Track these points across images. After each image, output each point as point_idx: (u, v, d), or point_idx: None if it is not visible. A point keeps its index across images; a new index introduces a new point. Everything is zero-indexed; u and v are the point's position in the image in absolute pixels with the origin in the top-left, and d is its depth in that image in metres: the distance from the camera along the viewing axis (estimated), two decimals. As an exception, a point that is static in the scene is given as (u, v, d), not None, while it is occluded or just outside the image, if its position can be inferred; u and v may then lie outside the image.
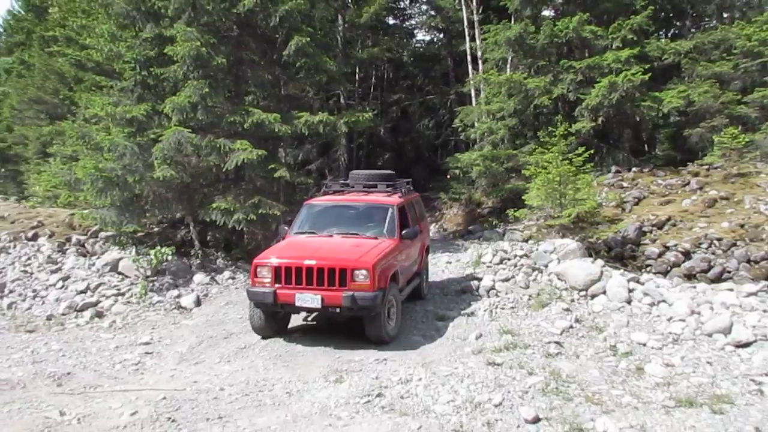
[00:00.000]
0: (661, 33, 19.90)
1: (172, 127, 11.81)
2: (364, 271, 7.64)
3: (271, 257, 8.24)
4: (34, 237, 13.35)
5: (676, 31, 20.42)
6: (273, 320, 8.38)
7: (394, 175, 10.75)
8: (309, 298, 7.69)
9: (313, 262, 7.74)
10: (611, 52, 16.08)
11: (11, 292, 11.16)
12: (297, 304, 7.77)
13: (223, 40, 13.05)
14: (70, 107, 19.85)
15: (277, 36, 13.50)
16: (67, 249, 12.93)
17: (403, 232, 8.89)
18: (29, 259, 12.36)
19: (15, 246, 12.87)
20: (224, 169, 12.22)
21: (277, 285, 7.85)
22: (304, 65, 13.54)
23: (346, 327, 8.44)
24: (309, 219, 9.44)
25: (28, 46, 27.86)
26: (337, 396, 6.01)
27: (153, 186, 12.25)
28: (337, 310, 7.74)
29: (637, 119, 16.48)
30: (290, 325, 8.78)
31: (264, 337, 8.27)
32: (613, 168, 16.49)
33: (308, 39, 12.85)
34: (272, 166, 12.46)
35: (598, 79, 15.77)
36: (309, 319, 9.20)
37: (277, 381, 6.56)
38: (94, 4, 16.61)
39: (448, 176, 20.86)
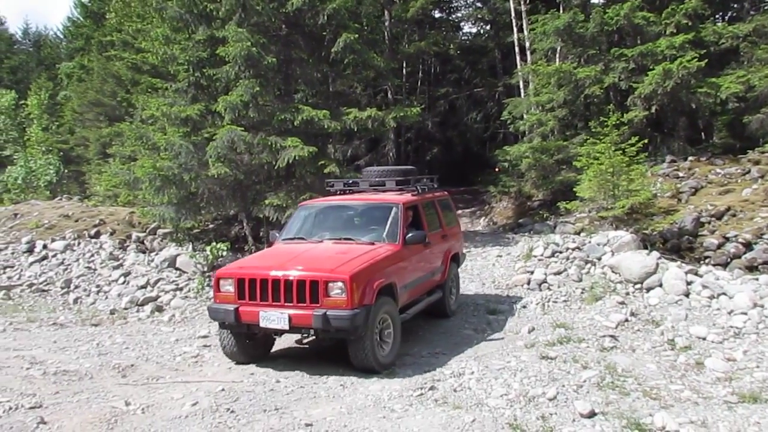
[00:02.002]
0: (717, 17, 19.20)
1: (225, 125, 12.11)
2: (339, 284, 6.29)
3: (236, 268, 7.13)
4: (97, 234, 13.93)
5: (734, 14, 19.61)
6: (249, 344, 7.16)
7: (415, 171, 9.53)
8: (275, 317, 6.40)
9: (280, 274, 6.51)
10: (665, 38, 15.61)
11: (76, 287, 11.71)
12: (261, 324, 6.48)
13: (272, 40, 13.30)
14: (128, 109, 20.59)
15: (324, 34, 13.66)
16: (127, 246, 13.47)
17: (407, 236, 7.49)
18: (92, 255, 12.92)
19: (79, 243, 13.46)
20: (276, 166, 12.45)
21: (240, 301, 6.64)
22: (351, 62, 13.68)
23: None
24: (300, 223, 8.18)
25: (87, 51, 29.01)
26: (391, 389, 6.06)
27: (208, 183, 12.60)
28: (311, 331, 6.52)
29: (693, 107, 15.96)
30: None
31: (237, 363, 7.16)
32: (668, 157, 16.03)
33: (356, 36, 12.97)
34: (322, 162, 12.64)
35: (651, 67, 15.34)
36: (304, 341, 7.94)
37: (331, 373, 6.66)
38: (149, 9, 17.14)
39: (497, 169, 20.68)
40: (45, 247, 13.36)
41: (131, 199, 16.61)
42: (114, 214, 15.33)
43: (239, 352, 7.09)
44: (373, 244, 7.33)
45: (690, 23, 15.72)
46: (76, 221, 14.80)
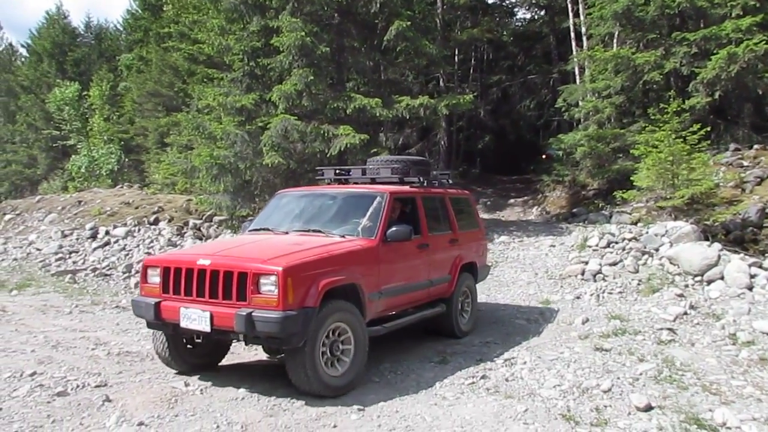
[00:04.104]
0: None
1: (279, 114, 12.29)
2: (271, 278, 5.07)
3: (166, 255, 6.28)
4: (156, 221, 14.39)
5: (806, -5, 18.65)
6: (186, 348, 6.16)
7: (426, 162, 8.36)
8: (196, 316, 5.28)
9: (206, 263, 5.37)
10: (730, 20, 14.93)
11: (137, 272, 12.09)
12: (182, 323, 5.38)
13: (325, 29, 13.40)
14: (185, 99, 21.12)
15: (377, 21, 13.68)
16: (184, 232, 13.88)
17: (388, 231, 6.27)
18: (152, 241, 13.35)
19: (139, 230, 13.94)
20: (328, 155, 12.56)
21: (164, 295, 5.59)
22: (404, 49, 13.68)
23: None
24: (272, 212, 7.16)
25: (145, 43, 29.79)
26: (442, 376, 6.08)
27: (262, 172, 12.84)
28: (240, 336, 5.32)
29: (760, 92, 15.26)
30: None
31: (178, 372, 6.14)
32: (732, 145, 15.39)
33: (408, 23, 12.91)
34: (374, 150, 12.70)
35: (715, 51, 14.73)
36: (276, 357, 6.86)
37: (383, 360, 6.71)
38: (204, 0, 17.47)
39: (544, 156, 20.37)
40: (107, 233, 13.88)
41: (188, 186, 17.07)
42: (172, 202, 15.79)
43: (174, 358, 6.07)
44: (344, 237, 6.22)
45: (758, 5, 14.97)
46: (136, 208, 15.32)
